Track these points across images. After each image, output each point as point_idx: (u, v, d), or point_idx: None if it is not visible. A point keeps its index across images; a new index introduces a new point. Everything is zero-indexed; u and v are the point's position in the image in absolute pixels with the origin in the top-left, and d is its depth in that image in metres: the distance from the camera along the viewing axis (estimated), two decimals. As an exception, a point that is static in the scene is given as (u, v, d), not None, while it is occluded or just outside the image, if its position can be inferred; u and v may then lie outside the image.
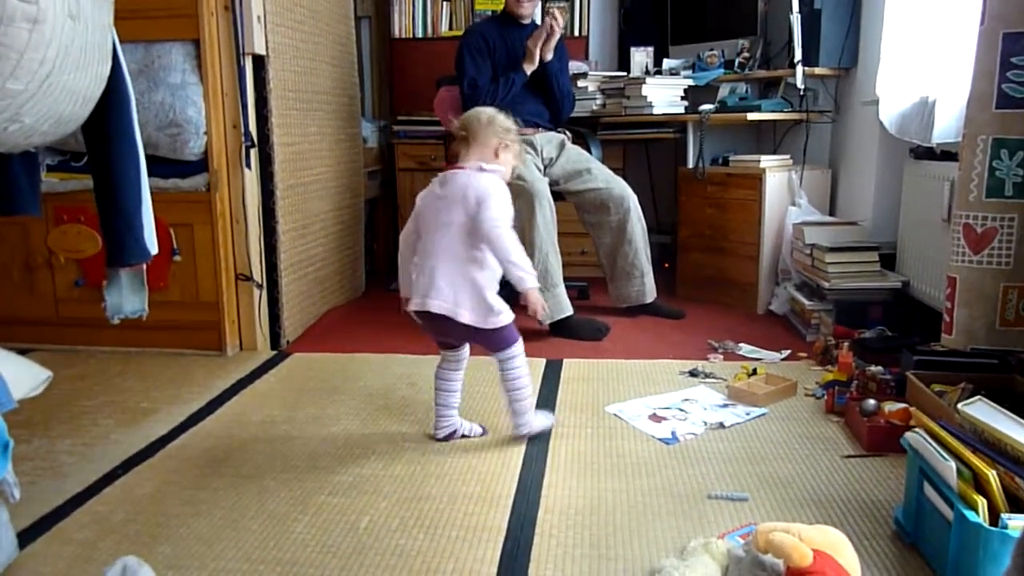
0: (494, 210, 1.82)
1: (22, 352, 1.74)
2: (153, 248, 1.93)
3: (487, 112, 1.97)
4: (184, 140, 2.57)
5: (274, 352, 2.79)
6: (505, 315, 1.87)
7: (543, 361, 2.62)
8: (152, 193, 1.97)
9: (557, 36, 3.10)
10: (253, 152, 2.70)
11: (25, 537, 1.53)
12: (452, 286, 1.83)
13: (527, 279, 1.85)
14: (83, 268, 2.76)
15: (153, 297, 2.12)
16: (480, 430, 2.02)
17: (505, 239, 1.82)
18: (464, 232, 1.84)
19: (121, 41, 1.76)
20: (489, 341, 1.89)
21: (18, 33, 1.30)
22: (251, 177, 2.71)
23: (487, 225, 1.80)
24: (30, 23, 1.31)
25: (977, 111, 1.97)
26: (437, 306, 1.82)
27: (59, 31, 1.38)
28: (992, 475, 1.27)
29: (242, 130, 2.64)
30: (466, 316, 1.83)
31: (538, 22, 3.34)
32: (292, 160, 2.92)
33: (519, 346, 1.92)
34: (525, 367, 1.93)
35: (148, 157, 1.94)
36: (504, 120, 1.96)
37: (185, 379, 2.50)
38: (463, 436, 1.99)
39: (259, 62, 2.69)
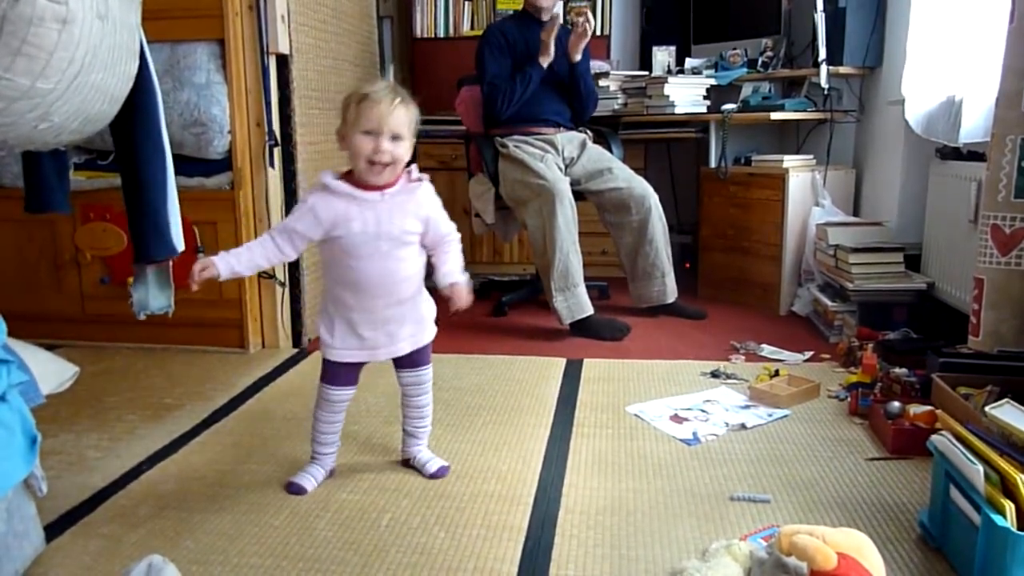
0: None
1: (49, 348, 1.77)
2: (179, 244, 1.96)
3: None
4: (208, 139, 2.60)
5: (296, 350, 2.81)
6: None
7: (563, 361, 2.62)
8: (177, 191, 2.00)
9: (588, 36, 3.10)
10: (276, 151, 2.72)
11: (52, 531, 1.55)
12: None
13: None
14: (109, 265, 2.80)
15: (177, 295, 2.15)
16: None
17: None
18: None
19: (147, 41, 1.78)
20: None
21: (48, 33, 1.32)
22: (274, 176, 2.73)
23: None
24: (60, 23, 1.33)
25: (1006, 110, 1.94)
26: None
27: (88, 31, 1.39)
28: (1020, 479, 1.25)
29: (266, 129, 2.66)
30: None
31: (560, 20, 3.33)
32: (315, 159, 2.94)
33: (321, 387, 1.76)
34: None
35: (173, 156, 1.97)
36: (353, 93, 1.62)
37: (208, 376, 2.52)
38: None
39: (282, 61, 2.71)
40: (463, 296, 1.69)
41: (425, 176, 1.68)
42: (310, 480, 1.74)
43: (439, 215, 1.69)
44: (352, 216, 1.60)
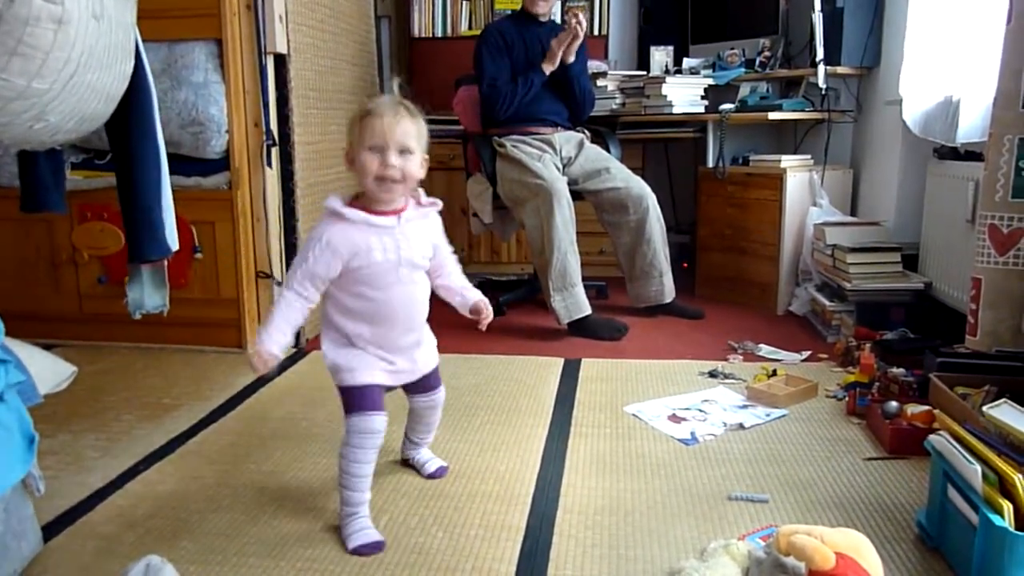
0: None
1: (47, 348, 1.77)
2: (173, 244, 1.95)
3: None
4: (206, 138, 2.59)
5: (293, 350, 2.81)
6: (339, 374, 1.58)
7: (561, 360, 2.62)
8: (174, 191, 2.00)
9: (580, 38, 3.09)
10: (274, 151, 2.72)
11: (49, 530, 1.55)
12: None
13: None
14: (106, 265, 2.79)
15: (174, 294, 2.15)
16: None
17: None
18: None
19: (144, 40, 1.78)
20: None
21: (43, 33, 1.32)
22: (272, 175, 2.73)
23: None
24: (55, 23, 1.33)
25: (1003, 110, 1.94)
26: None
27: (84, 31, 1.39)
28: (1018, 479, 1.25)
29: (263, 128, 2.65)
30: None
31: (557, 20, 3.33)
32: (312, 159, 2.93)
33: (352, 419, 1.55)
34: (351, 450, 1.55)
35: (171, 155, 1.97)
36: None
37: (206, 376, 2.52)
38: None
39: (280, 61, 2.71)
40: (490, 310, 1.69)
41: (438, 202, 1.61)
42: (373, 531, 1.52)
43: (443, 240, 1.66)
44: (372, 245, 1.50)
